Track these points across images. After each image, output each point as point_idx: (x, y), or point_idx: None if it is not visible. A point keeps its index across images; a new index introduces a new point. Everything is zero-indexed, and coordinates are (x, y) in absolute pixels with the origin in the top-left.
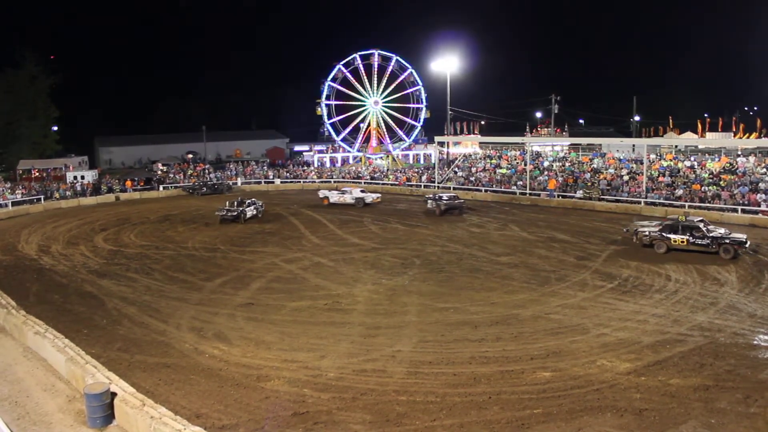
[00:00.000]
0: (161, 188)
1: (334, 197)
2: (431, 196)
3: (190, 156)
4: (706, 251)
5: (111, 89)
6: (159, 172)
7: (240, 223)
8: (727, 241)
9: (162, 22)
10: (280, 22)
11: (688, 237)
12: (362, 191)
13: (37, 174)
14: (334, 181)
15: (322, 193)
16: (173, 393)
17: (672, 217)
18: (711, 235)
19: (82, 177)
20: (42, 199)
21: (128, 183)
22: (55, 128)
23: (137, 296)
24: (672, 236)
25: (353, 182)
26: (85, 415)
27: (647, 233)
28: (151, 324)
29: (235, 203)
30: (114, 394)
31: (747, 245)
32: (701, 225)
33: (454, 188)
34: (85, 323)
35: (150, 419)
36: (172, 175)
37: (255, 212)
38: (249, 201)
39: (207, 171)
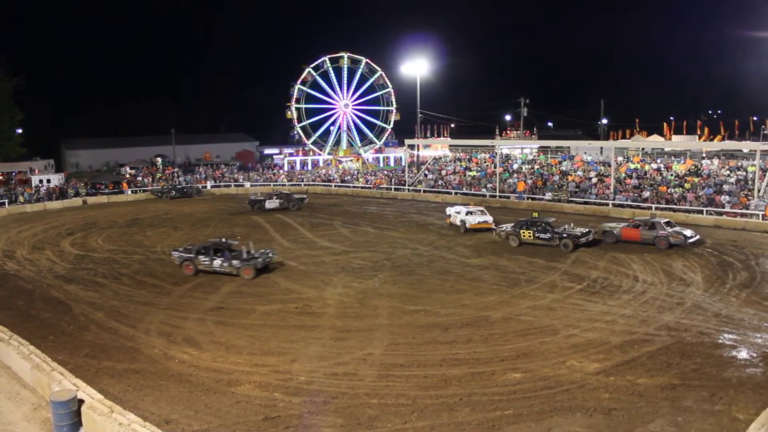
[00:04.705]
0: (129, 192)
1: (452, 216)
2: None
3: (159, 159)
4: (548, 244)
5: (78, 92)
6: (127, 176)
7: (255, 212)
8: (566, 235)
9: (130, 24)
10: (249, 24)
11: (533, 231)
12: (478, 211)
13: (1, 177)
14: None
15: (448, 211)
16: (142, 399)
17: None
18: (554, 230)
19: (48, 180)
20: (6, 203)
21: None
22: (20, 131)
23: (105, 301)
24: (522, 231)
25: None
26: (51, 423)
27: (504, 229)
28: (120, 329)
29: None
30: (81, 401)
31: (585, 239)
32: (550, 221)
33: (425, 191)
34: (52, 329)
35: (118, 426)
36: (140, 179)
37: (277, 205)
38: (276, 194)
39: (176, 174)
